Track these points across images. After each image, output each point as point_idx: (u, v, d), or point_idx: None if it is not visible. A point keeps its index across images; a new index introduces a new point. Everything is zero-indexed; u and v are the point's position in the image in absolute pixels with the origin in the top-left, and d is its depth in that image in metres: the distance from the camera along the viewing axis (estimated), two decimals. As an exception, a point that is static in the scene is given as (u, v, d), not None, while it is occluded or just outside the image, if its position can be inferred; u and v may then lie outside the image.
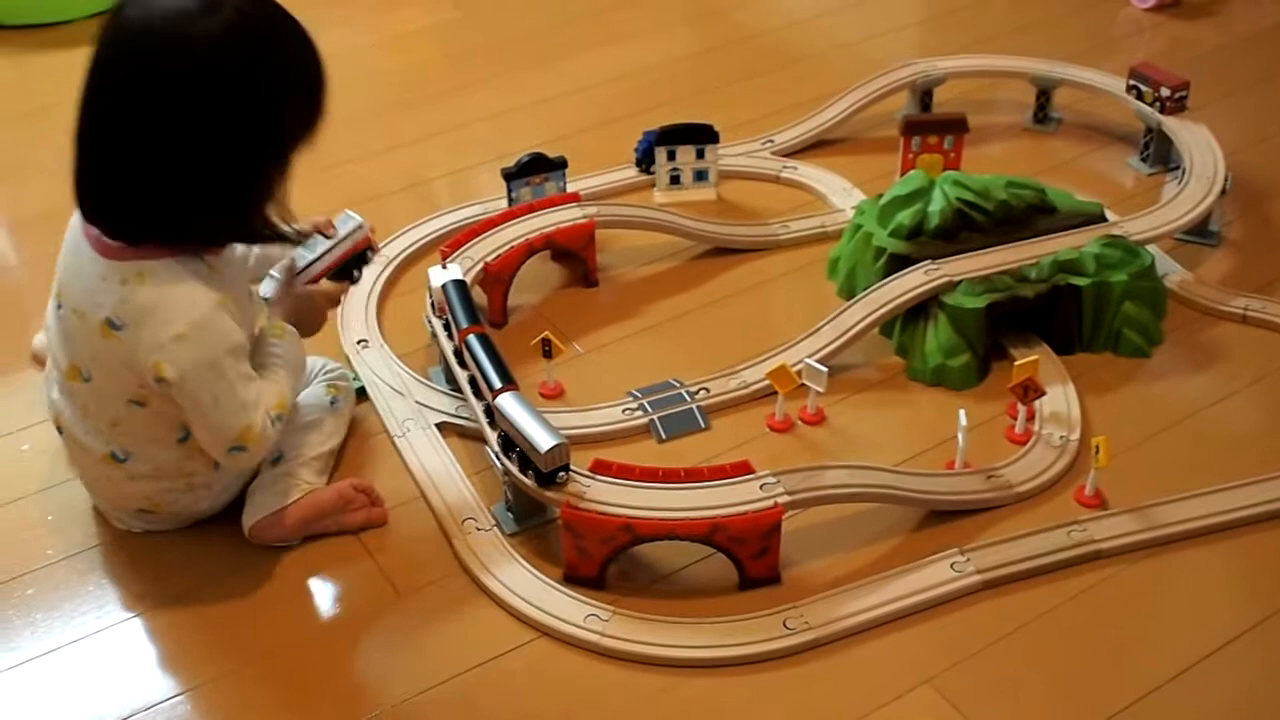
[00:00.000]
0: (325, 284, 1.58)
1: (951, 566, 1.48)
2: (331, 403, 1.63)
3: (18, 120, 2.43)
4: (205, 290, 1.36)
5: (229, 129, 1.30)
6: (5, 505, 1.59)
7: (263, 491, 1.52)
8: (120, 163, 1.31)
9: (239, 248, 1.50)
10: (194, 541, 1.54)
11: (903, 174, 2.03)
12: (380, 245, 2.01)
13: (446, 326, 1.71)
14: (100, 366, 1.41)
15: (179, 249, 1.36)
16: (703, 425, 1.70)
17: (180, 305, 1.34)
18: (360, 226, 1.58)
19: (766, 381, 1.70)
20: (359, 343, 1.82)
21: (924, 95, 2.34)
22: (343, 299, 1.65)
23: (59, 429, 1.51)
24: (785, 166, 2.22)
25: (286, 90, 1.34)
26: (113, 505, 1.53)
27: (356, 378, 1.75)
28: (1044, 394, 1.65)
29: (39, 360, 1.78)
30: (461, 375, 1.64)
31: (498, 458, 1.52)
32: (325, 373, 1.66)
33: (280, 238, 1.42)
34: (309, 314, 1.57)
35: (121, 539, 1.54)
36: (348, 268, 1.59)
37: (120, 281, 1.35)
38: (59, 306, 1.43)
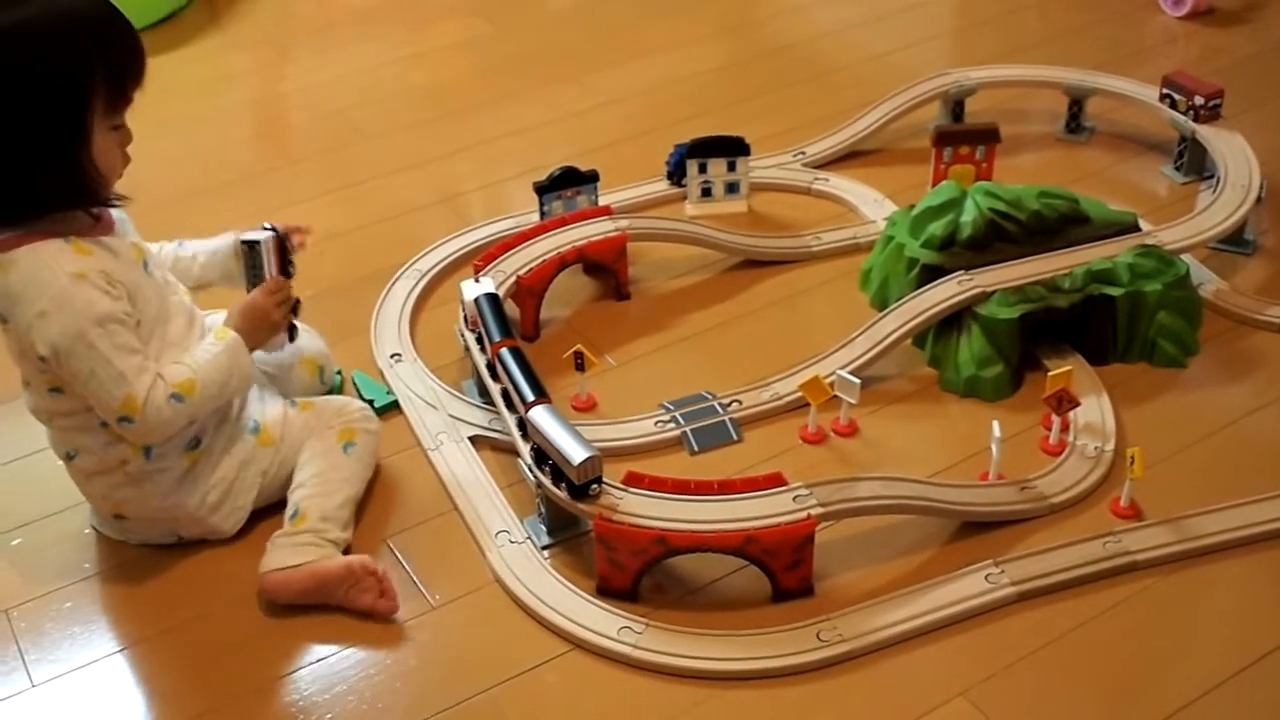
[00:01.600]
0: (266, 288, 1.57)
1: (986, 578, 1.47)
2: (345, 448, 1.58)
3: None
4: (63, 266, 1.39)
5: (22, 107, 1.34)
6: (45, 519, 1.61)
7: (280, 545, 1.50)
8: None
9: (144, 243, 1.53)
10: (228, 555, 1.55)
11: (935, 185, 2.02)
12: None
13: (479, 340, 1.71)
14: (20, 363, 1.46)
15: (35, 233, 1.40)
16: (735, 437, 1.70)
17: (40, 283, 1.38)
18: (272, 232, 1.58)
19: (799, 393, 1.70)
20: (392, 356, 1.83)
21: (956, 106, 2.34)
22: (290, 295, 1.59)
23: None
24: (817, 178, 2.22)
25: (84, 64, 1.36)
26: (96, 512, 1.57)
27: (389, 391, 1.76)
28: (1078, 404, 1.64)
29: None
30: (494, 388, 1.65)
31: (530, 470, 1.52)
32: (342, 416, 1.61)
33: (101, 202, 1.43)
34: (257, 320, 1.55)
35: (157, 553, 1.55)
36: (284, 265, 1.59)
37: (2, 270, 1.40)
38: None
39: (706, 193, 2.16)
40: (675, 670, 1.39)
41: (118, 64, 1.39)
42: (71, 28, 1.36)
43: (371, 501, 1.60)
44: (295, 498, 1.54)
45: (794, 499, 1.46)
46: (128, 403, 1.41)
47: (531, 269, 1.85)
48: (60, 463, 1.67)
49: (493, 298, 1.72)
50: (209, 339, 1.52)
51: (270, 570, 1.48)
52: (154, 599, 1.50)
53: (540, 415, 1.51)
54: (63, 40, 1.35)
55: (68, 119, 1.36)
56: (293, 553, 1.48)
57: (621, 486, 1.47)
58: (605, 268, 1.95)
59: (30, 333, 1.39)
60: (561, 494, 1.46)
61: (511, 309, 1.83)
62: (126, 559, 1.55)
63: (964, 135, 2.10)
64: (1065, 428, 1.67)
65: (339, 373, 1.79)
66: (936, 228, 1.84)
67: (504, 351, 1.62)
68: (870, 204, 2.14)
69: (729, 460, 1.67)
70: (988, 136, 2.08)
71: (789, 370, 1.77)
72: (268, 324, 1.56)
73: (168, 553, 1.55)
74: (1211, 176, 2.11)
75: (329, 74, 2.67)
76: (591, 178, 2.01)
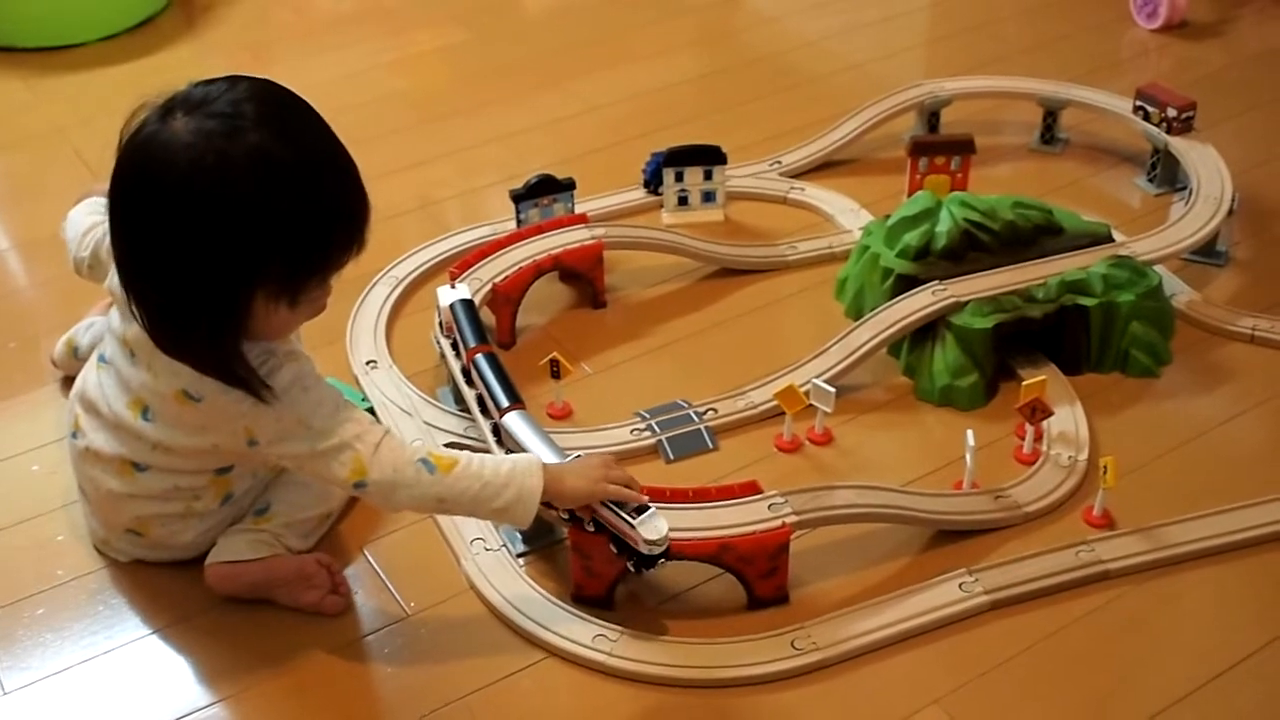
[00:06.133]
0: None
1: (959, 587, 1.48)
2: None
3: (30, 142, 2.44)
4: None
5: (186, 255, 1.25)
6: (15, 526, 1.60)
7: (236, 538, 1.48)
8: (118, 254, 1.32)
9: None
10: (201, 565, 1.54)
11: (910, 195, 2.03)
12: (390, 263, 2.02)
13: (455, 346, 1.71)
14: (173, 422, 1.40)
15: None
16: (711, 446, 1.70)
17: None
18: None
19: (774, 402, 1.70)
20: (368, 363, 1.83)
21: (931, 116, 2.35)
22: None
23: (74, 433, 1.48)
24: (793, 187, 2.23)
25: (252, 238, 1.25)
26: (104, 521, 1.50)
27: (365, 398, 1.75)
28: (1052, 414, 1.65)
29: (60, 363, 1.79)
30: (469, 394, 1.65)
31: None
32: None
33: (246, 385, 1.32)
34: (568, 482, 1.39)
35: (131, 563, 1.53)
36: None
37: None
38: (133, 355, 1.40)
39: (683, 201, 2.16)
40: (650, 678, 1.39)
41: (312, 246, 1.29)
42: (296, 223, 1.26)
43: (347, 509, 1.60)
44: (270, 496, 1.53)
45: (769, 507, 1.47)
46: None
47: (508, 276, 1.85)
48: (33, 469, 1.67)
49: (468, 304, 1.72)
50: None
51: (220, 561, 1.47)
52: (128, 607, 1.49)
53: (514, 421, 1.51)
54: (290, 231, 1.26)
55: (224, 282, 1.27)
56: (247, 547, 1.47)
57: (597, 494, 1.47)
58: (581, 275, 1.95)
59: (242, 419, 1.35)
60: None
61: (487, 316, 1.83)
62: (100, 567, 1.54)
63: (939, 146, 2.11)
64: (1039, 437, 1.68)
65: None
66: (911, 238, 1.85)
67: (479, 357, 1.62)
68: (846, 213, 2.15)
69: (704, 468, 1.67)
70: (963, 147, 2.09)
71: (764, 379, 1.78)
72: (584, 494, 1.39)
73: (142, 562, 1.53)
74: (1184, 188, 2.12)
75: (306, 80, 2.63)
76: (568, 186, 2.01)
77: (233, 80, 1.30)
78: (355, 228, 1.33)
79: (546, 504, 1.40)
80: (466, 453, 1.40)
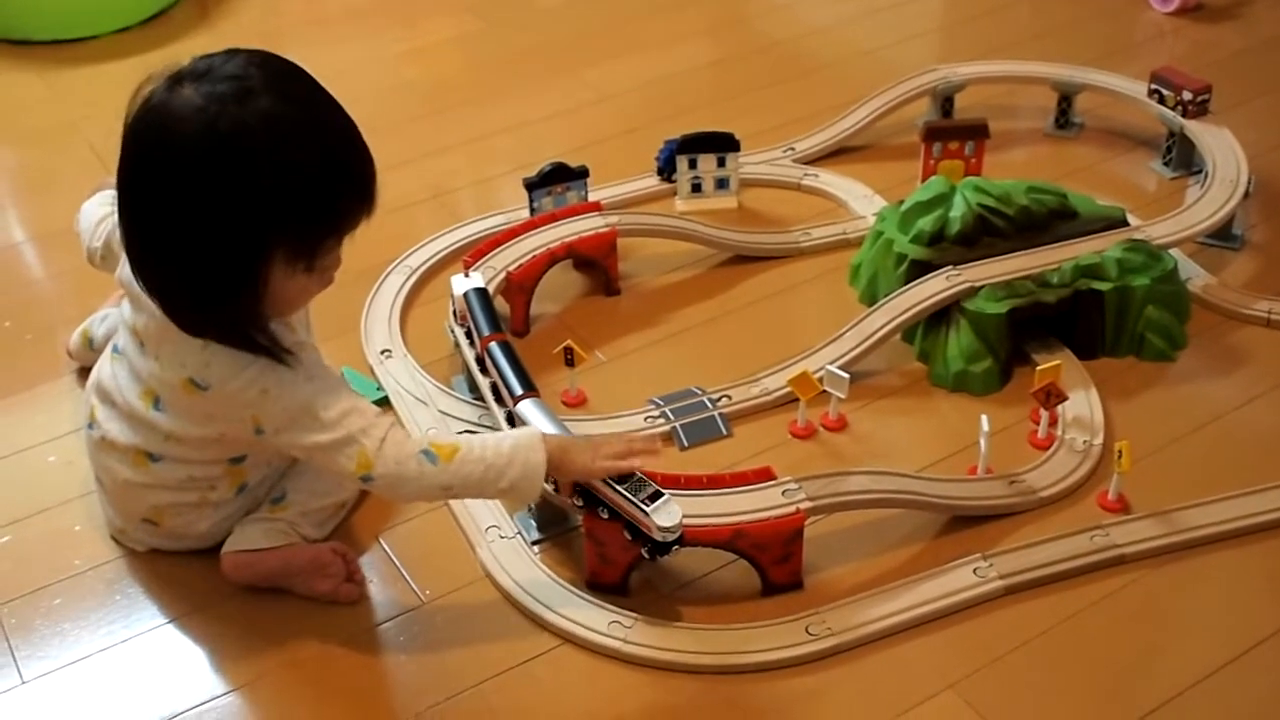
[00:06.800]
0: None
1: (974, 572, 1.48)
2: None
3: (46, 134, 2.45)
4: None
5: (205, 221, 1.26)
6: (33, 516, 1.61)
7: (252, 526, 1.49)
8: (129, 238, 1.33)
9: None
10: (217, 554, 1.55)
11: (924, 180, 2.02)
12: (406, 255, 2.02)
13: (469, 335, 1.71)
14: (182, 411, 1.40)
15: None
16: (725, 432, 1.70)
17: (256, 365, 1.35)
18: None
19: (788, 388, 1.70)
20: (382, 353, 1.83)
21: (945, 101, 2.34)
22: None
23: (90, 423, 1.49)
24: (806, 174, 2.22)
25: (270, 198, 1.26)
26: (120, 511, 1.51)
27: (380, 387, 1.76)
28: (1066, 399, 1.65)
29: (75, 354, 1.80)
30: (484, 383, 1.65)
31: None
32: None
33: (270, 352, 1.34)
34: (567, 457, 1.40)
35: (147, 552, 1.54)
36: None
37: (201, 345, 1.35)
38: (142, 345, 1.41)
39: (696, 188, 2.16)
40: (664, 664, 1.39)
41: (325, 202, 1.30)
42: (304, 186, 1.27)
43: (362, 497, 1.60)
44: (286, 485, 1.53)
45: (783, 493, 1.47)
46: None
47: (521, 264, 1.86)
48: (49, 460, 1.68)
49: (482, 292, 1.72)
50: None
51: (236, 550, 1.47)
52: (144, 596, 1.50)
53: (528, 409, 1.51)
54: (298, 195, 1.27)
55: (258, 264, 1.29)
56: (263, 536, 1.48)
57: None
58: (595, 263, 1.95)
59: (250, 408, 1.36)
60: (551, 488, 1.47)
61: (501, 305, 1.83)
62: (116, 557, 1.55)
63: (953, 131, 2.10)
64: (1053, 422, 1.68)
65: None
66: (925, 223, 1.85)
67: (493, 345, 1.62)
68: (859, 199, 2.14)
69: (718, 455, 1.67)
70: (977, 132, 2.08)
71: (778, 365, 1.78)
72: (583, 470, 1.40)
73: (158, 551, 1.54)
74: (1200, 171, 2.11)
75: (319, 70, 2.63)
76: (581, 174, 2.01)
77: (232, 51, 1.32)
78: (364, 183, 1.34)
79: (556, 489, 1.40)
80: (466, 436, 1.40)
